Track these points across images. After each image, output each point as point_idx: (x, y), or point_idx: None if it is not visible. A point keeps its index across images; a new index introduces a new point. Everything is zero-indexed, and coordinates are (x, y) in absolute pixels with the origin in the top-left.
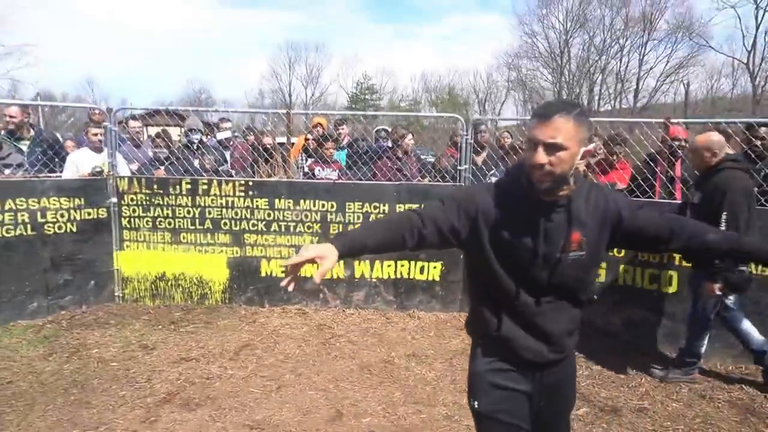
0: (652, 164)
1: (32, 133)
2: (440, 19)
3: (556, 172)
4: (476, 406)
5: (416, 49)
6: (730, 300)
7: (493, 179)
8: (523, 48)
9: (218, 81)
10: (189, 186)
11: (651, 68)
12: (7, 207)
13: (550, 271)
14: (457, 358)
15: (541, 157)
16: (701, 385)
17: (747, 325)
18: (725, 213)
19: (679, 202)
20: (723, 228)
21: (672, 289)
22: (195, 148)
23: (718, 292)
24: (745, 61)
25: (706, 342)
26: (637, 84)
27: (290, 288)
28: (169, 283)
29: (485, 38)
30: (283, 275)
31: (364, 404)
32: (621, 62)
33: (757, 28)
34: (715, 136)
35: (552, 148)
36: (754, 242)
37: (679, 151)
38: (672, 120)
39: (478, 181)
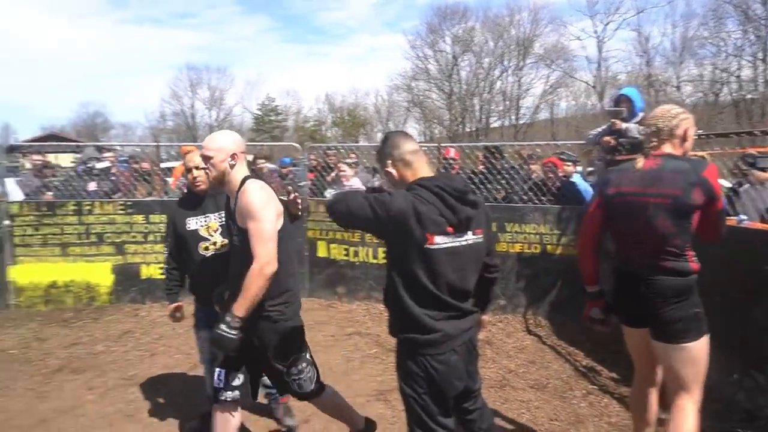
0: None
1: None
2: (347, 39)
3: None
4: None
5: (323, 70)
6: None
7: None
8: (415, 71)
9: (116, 103)
10: (75, 207)
11: (527, 90)
12: None
13: None
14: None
15: None
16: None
17: None
18: None
19: None
20: None
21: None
22: (95, 174)
23: None
24: (593, 84)
25: None
26: (517, 103)
27: None
28: (60, 290)
29: (391, 59)
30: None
31: None
32: (505, 82)
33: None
34: None
35: None
36: None
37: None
38: (443, 144)
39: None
